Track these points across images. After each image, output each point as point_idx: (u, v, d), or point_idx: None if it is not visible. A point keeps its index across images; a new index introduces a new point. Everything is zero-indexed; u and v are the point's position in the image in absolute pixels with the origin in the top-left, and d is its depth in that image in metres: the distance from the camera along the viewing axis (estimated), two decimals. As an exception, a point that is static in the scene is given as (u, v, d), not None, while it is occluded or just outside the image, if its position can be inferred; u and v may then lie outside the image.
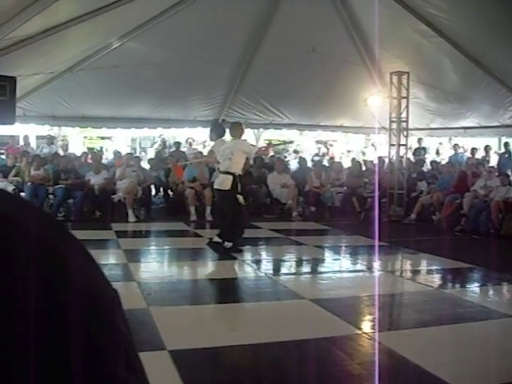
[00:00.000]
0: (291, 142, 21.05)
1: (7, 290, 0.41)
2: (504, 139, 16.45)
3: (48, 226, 0.48)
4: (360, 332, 4.87)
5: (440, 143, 19.30)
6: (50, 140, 16.31)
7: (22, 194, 11.53)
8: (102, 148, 22.09)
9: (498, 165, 14.35)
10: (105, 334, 0.45)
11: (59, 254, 0.45)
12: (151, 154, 20.75)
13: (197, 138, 20.13)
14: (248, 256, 8.49)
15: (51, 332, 0.41)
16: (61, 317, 0.42)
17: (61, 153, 15.44)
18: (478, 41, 11.54)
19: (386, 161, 14.24)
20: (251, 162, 11.68)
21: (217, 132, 8.78)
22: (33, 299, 0.41)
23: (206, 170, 12.70)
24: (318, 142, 23.94)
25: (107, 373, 0.45)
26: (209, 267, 8.01)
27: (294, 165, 16.74)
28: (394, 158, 13.51)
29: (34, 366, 0.40)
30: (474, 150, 16.28)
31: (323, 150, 22.05)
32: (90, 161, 14.02)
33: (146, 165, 14.99)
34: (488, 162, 15.24)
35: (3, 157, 14.02)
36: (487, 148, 16.24)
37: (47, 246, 0.45)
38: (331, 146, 23.01)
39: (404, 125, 13.36)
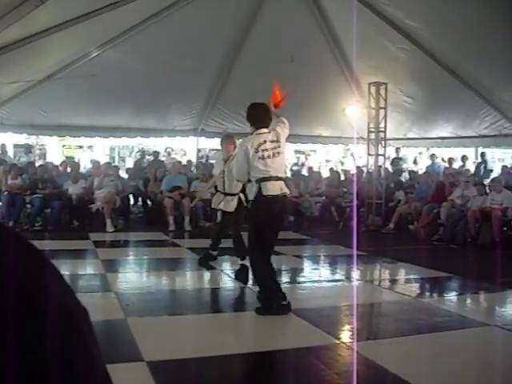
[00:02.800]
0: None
1: None
2: (480, 149, 16.64)
3: (18, 245, 0.48)
4: (338, 342, 4.88)
5: (420, 153, 19.47)
6: (28, 149, 16.19)
7: (-1, 203, 11.43)
8: (73, 158, 21.88)
9: (474, 175, 14.50)
10: (77, 347, 0.46)
11: (33, 269, 0.45)
12: (130, 163, 20.67)
13: (176, 147, 20.10)
14: (227, 266, 8.47)
15: (28, 347, 0.41)
16: (38, 329, 0.42)
17: (39, 162, 15.32)
18: (454, 52, 11.68)
19: (365, 170, 14.34)
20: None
21: None
22: (11, 313, 0.41)
23: (185, 179, 12.70)
24: (296, 151, 23.99)
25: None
26: (187, 277, 7.98)
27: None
28: (373, 167, 13.61)
29: (11, 375, 0.40)
30: (451, 160, 16.44)
31: (302, 159, 22.13)
32: (68, 169, 13.92)
33: (124, 174, 14.92)
34: (465, 171, 15.39)
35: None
36: (464, 158, 16.40)
37: (21, 262, 0.45)
38: (309, 155, 23.09)
39: (382, 135, 13.47)
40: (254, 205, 5.82)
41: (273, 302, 5.65)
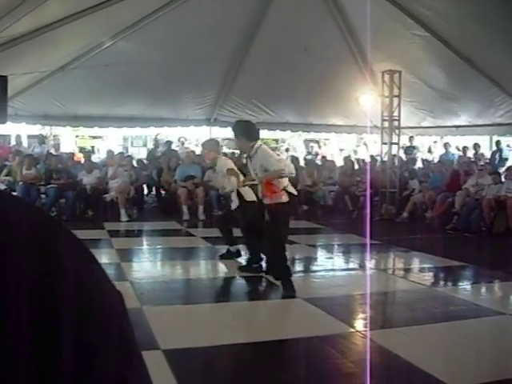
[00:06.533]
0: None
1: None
2: (495, 137, 16.51)
3: (41, 223, 0.48)
4: (353, 330, 4.88)
5: (435, 141, 19.36)
6: (42, 139, 16.26)
7: (14, 193, 11.50)
8: (93, 148, 22.03)
9: (489, 163, 14.40)
10: (98, 330, 0.45)
11: (52, 249, 0.45)
12: (143, 153, 20.72)
13: (189, 136, 20.13)
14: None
15: (43, 328, 0.41)
16: (54, 312, 0.42)
17: (52, 152, 15.40)
18: (469, 39, 11.58)
19: (379, 159, 14.28)
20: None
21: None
22: (25, 294, 0.41)
23: (199, 168, 12.68)
24: (309, 140, 23.91)
25: (100, 372, 0.45)
26: (202, 266, 8.01)
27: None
28: (386, 156, 13.54)
29: (25, 365, 0.40)
30: (465, 149, 16.35)
31: (315, 148, 22.09)
32: (81, 159, 13.98)
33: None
34: (480, 159, 15.30)
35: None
36: (476, 146, 16.29)
37: (40, 241, 0.45)
38: (324, 145, 23.05)
39: (396, 123, 13.39)
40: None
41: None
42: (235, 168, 7.21)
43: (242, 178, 7.14)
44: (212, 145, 7.85)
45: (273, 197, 5.97)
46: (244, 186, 7.01)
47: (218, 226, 7.93)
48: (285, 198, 6.01)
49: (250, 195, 6.92)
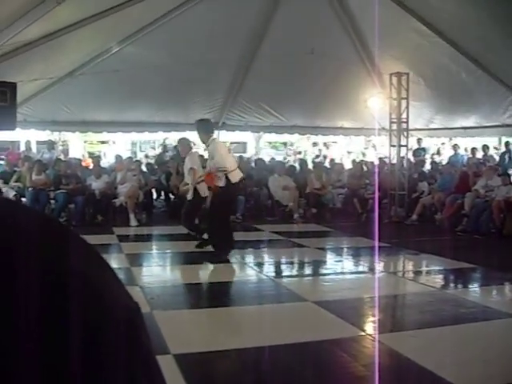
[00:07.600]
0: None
1: (7, 293, 0.41)
2: (504, 138, 16.44)
3: (50, 226, 0.48)
4: (363, 333, 4.88)
5: (443, 143, 19.30)
6: (51, 145, 16.33)
7: (23, 199, 11.55)
8: (99, 153, 22.11)
9: (498, 164, 14.34)
10: (109, 331, 0.45)
11: (60, 249, 0.46)
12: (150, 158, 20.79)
13: (197, 141, 20.12)
14: (250, 259, 8.50)
15: (51, 325, 0.42)
16: (61, 310, 0.42)
17: (61, 157, 15.46)
18: (477, 41, 11.53)
19: (387, 162, 14.25)
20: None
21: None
22: (32, 292, 0.41)
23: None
24: (317, 143, 23.89)
25: (110, 373, 0.45)
26: (211, 270, 8.01)
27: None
28: (395, 158, 13.51)
29: (33, 363, 0.40)
30: (474, 150, 16.28)
31: (324, 151, 22.09)
32: (90, 165, 14.03)
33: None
34: (489, 161, 15.24)
35: (1, 162, 14.08)
36: (484, 148, 16.21)
37: (48, 242, 0.45)
38: (328, 148, 23.04)
39: (404, 125, 13.37)
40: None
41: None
42: (196, 168, 8.73)
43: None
44: (185, 143, 9.51)
45: (207, 179, 8.05)
46: (198, 183, 8.53)
47: (184, 225, 9.11)
48: (221, 183, 7.74)
49: (204, 191, 8.58)
